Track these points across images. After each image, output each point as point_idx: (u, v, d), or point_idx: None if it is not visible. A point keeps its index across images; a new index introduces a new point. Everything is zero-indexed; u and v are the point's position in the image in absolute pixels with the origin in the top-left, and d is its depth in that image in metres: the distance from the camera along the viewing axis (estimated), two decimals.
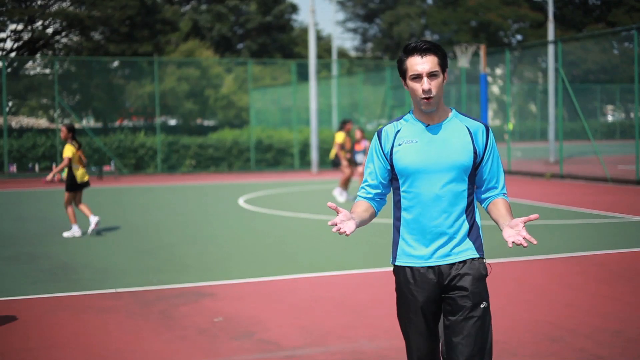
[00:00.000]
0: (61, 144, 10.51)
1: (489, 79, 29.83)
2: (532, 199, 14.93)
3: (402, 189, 3.12)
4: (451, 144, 3.05)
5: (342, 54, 53.50)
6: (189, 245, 9.95)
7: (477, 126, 3.11)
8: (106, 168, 24.84)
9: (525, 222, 2.89)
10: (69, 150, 10.64)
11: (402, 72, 3.09)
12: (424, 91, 2.98)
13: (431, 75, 3.00)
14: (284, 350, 5.16)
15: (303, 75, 29.89)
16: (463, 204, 3.09)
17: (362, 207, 3.17)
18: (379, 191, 3.20)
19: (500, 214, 3.10)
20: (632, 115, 41.40)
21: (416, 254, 3.10)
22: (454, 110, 3.14)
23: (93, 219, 10.81)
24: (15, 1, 33.16)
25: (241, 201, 15.71)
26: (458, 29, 49.55)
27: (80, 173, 10.81)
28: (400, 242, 3.16)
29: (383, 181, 3.18)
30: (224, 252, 9.46)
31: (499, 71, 37.22)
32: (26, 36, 34.27)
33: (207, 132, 30.45)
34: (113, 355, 5.12)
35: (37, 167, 24.21)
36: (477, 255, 3.11)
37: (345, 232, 2.95)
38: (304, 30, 47.01)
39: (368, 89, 33.10)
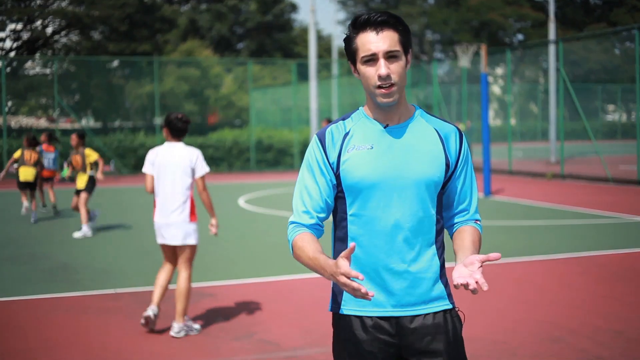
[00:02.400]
0: (71, 149, 11.13)
1: (490, 78, 29.78)
2: (533, 199, 14.91)
3: (349, 212, 2.32)
4: (418, 152, 2.30)
5: (343, 53, 53.45)
6: None
7: (449, 129, 2.37)
8: (106, 168, 24.82)
9: (483, 262, 2.12)
10: (94, 154, 11.19)
11: (351, 54, 2.31)
12: (380, 77, 2.22)
13: (390, 56, 2.24)
14: (284, 351, 5.15)
15: (303, 75, 29.88)
16: (432, 233, 2.33)
17: (318, 246, 2.26)
18: (321, 215, 2.36)
19: (463, 246, 2.31)
20: (633, 115, 41.40)
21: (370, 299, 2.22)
22: (418, 108, 2.40)
23: (84, 230, 11.00)
24: (14, 0, 33.17)
25: (241, 201, 15.70)
26: (459, 29, 49.50)
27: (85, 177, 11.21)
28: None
29: (329, 200, 2.35)
30: (224, 252, 9.45)
31: (500, 71, 37.21)
32: (25, 36, 34.28)
33: (207, 132, 30.47)
34: (113, 356, 5.11)
35: None
36: (450, 306, 2.36)
37: (361, 286, 2.04)
38: (304, 30, 46.98)
39: None
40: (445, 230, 2.44)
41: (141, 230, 11.45)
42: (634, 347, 5.11)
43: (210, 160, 25.93)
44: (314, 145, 2.37)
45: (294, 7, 49.37)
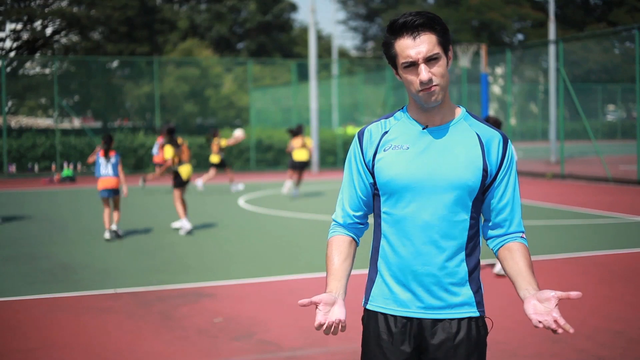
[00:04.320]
0: (162, 146, 11.26)
1: (490, 78, 29.78)
2: (533, 199, 14.91)
3: (383, 210, 2.34)
4: (454, 155, 2.26)
5: (343, 53, 53.47)
6: (189, 245, 9.95)
7: (492, 135, 2.30)
8: None
9: (560, 298, 2.09)
10: (167, 152, 11.10)
11: (391, 59, 2.29)
12: (421, 83, 2.20)
13: (430, 59, 2.21)
14: (284, 351, 5.15)
15: (303, 75, 29.88)
16: (463, 238, 2.29)
17: (342, 255, 2.38)
18: (359, 214, 2.42)
19: (519, 271, 2.26)
20: (633, 115, 41.39)
21: (395, 298, 2.33)
22: (464, 110, 2.35)
23: (183, 224, 11.00)
24: (14, 1, 33.17)
25: (241, 201, 15.70)
26: (459, 29, 49.48)
27: (184, 170, 11.11)
28: (377, 280, 2.37)
29: (364, 198, 2.39)
30: (224, 252, 9.45)
31: (499, 71, 37.20)
32: (25, 36, 34.28)
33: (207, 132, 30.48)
34: (113, 356, 5.11)
35: (36, 167, 24.20)
36: (477, 314, 2.32)
37: (341, 322, 2.21)
38: (304, 30, 46.98)
39: (369, 88, 33.09)
40: (480, 235, 2.39)
41: (141, 230, 11.45)
42: (634, 347, 5.10)
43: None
44: (353, 144, 2.40)
45: (293, 7, 49.35)
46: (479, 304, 2.33)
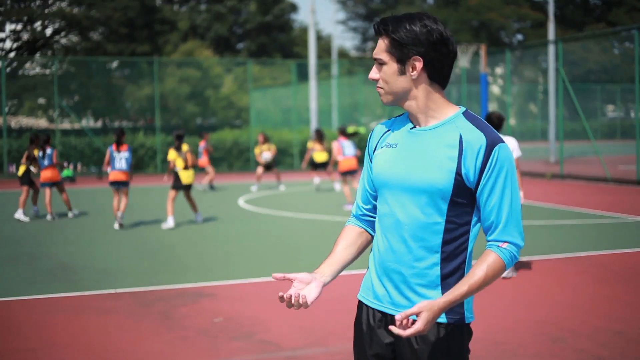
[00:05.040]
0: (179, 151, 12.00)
1: (489, 78, 29.79)
2: (532, 199, 14.91)
3: (377, 206, 2.45)
4: (429, 157, 2.26)
5: (343, 53, 53.48)
6: (189, 245, 9.95)
7: (476, 139, 2.22)
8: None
9: (404, 317, 2.11)
10: (170, 155, 11.77)
11: None
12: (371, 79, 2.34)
13: (378, 63, 2.32)
14: (284, 351, 5.15)
15: (303, 75, 29.88)
16: (435, 241, 2.26)
17: (346, 241, 2.46)
18: (369, 207, 2.48)
19: (464, 278, 2.24)
20: (632, 115, 41.39)
21: (374, 292, 2.40)
22: (460, 111, 2.32)
23: (168, 220, 11.66)
24: (14, 1, 33.17)
25: (241, 201, 15.70)
26: (458, 29, 49.47)
27: (185, 175, 11.67)
28: (367, 272, 2.48)
29: (372, 192, 2.46)
30: (224, 252, 9.45)
31: (499, 71, 37.20)
32: (25, 36, 34.28)
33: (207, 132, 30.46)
34: (113, 356, 5.11)
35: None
36: (445, 320, 2.27)
37: (303, 299, 2.25)
38: (304, 30, 46.97)
39: (369, 88, 33.07)
40: (469, 243, 2.32)
41: (141, 230, 11.45)
42: (634, 347, 5.11)
43: (210, 160, 25.90)
44: (368, 140, 2.49)
45: (293, 8, 49.36)
46: (450, 310, 2.26)
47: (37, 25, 34.22)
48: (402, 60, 2.27)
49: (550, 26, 27.77)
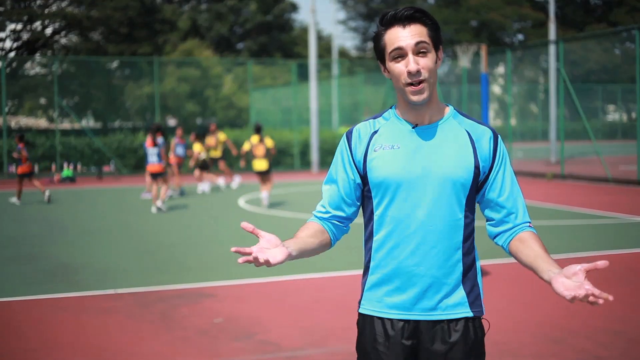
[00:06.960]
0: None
1: (490, 78, 29.78)
2: (533, 199, 14.91)
3: (375, 212, 2.29)
4: (445, 153, 2.23)
5: (343, 53, 53.47)
6: (189, 245, 9.94)
7: (482, 131, 2.27)
8: (106, 168, 24.83)
9: (587, 271, 1.98)
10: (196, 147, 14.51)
11: (380, 51, 2.25)
12: (409, 73, 2.15)
13: (419, 51, 2.16)
14: (284, 351, 5.14)
15: (303, 75, 29.87)
16: (458, 236, 2.25)
17: (309, 231, 2.33)
18: (339, 213, 2.36)
19: (537, 255, 2.16)
20: (633, 115, 41.39)
21: (391, 301, 2.27)
22: (452, 108, 2.32)
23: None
24: (14, 1, 33.18)
25: (241, 202, 15.70)
26: (459, 29, 49.47)
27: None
28: (369, 282, 2.33)
29: (347, 199, 2.34)
30: (224, 252, 9.44)
31: (500, 71, 37.20)
32: (25, 36, 34.29)
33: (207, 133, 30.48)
34: (113, 356, 5.11)
35: (36, 168, 24.19)
36: (471, 314, 2.27)
37: (267, 261, 2.17)
38: (304, 30, 46.95)
39: (369, 88, 33.09)
40: (474, 235, 2.34)
41: (141, 230, 11.45)
42: (634, 347, 5.10)
43: (210, 160, 25.92)
44: (341, 143, 2.35)
45: (294, 7, 49.35)
46: (473, 304, 2.27)
47: (37, 25, 34.23)
48: (437, 48, 2.21)
49: (551, 26, 27.77)
